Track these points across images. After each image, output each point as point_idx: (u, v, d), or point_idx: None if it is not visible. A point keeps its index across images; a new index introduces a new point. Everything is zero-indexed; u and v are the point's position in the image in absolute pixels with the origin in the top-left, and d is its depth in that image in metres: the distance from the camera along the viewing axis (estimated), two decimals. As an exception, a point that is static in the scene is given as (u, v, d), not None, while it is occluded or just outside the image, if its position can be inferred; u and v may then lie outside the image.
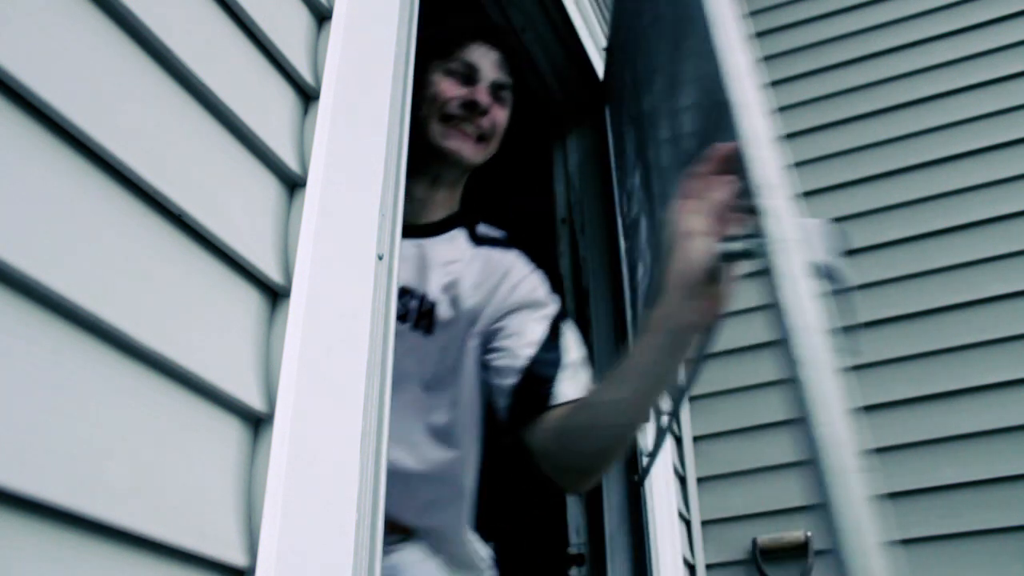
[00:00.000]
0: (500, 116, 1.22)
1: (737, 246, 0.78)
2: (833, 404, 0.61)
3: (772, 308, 0.69)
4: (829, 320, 0.67)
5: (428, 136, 1.17)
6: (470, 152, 1.18)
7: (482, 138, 1.19)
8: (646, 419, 1.02)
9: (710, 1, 0.84)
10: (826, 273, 0.72)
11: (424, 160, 1.16)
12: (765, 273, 0.70)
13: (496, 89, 1.21)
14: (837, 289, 0.74)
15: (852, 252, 2.09)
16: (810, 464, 0.60)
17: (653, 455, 1.50)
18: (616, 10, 1.86)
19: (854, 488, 0.57)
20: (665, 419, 1.33)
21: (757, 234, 0.73)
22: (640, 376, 0.87)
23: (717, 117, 0.83)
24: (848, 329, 0.73)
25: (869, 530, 0.56)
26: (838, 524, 0.56)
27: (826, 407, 0.60)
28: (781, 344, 0.67)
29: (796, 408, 0.63)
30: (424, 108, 1.16)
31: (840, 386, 0.62)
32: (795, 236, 0.70)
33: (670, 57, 1.13)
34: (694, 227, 0.78)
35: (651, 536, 1.53)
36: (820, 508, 0.59)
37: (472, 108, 1.17)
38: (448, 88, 1.17)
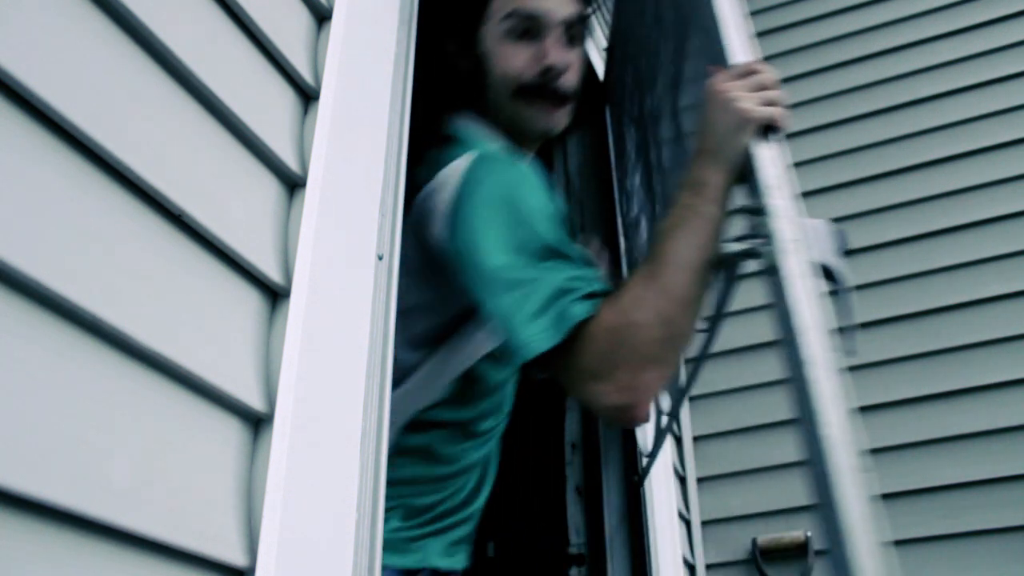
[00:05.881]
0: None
1: (741, 247, 0.78)
2: (836, 405, 0.62)
3: (775, 308, 0.69)
4: (829, 321, 0.67)
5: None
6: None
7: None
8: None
9: (716, 1, 0.84)
10: (827, 273, 0.72)
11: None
12: (768, 273, 0.71)
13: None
14: (838, 289, 0.74)
15: (852, 252, 2.09)
16: (812, 464, 0.61)
17: (653, 455, 1.50)
18: (617, 10, 1.86)
19: (855, 488, 0.58)
20: (664, 419, 1.33)
21: (760, 235, 0.73)
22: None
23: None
24: (847, 329, 0.73)
25: (868, 529, 0.56)
26: (839, 524, 0.57)
27: (830, 407, 0.61)
28: (784, 344, 0.67)
29: (799, 408, 0.63)
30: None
31: (842, 387, 0.63)
32: (797, 237, 0.70)
33: (672, 57, 1.13)
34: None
35: (650, 536, 1.53)
36: (821, 508, 0.60)
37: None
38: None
